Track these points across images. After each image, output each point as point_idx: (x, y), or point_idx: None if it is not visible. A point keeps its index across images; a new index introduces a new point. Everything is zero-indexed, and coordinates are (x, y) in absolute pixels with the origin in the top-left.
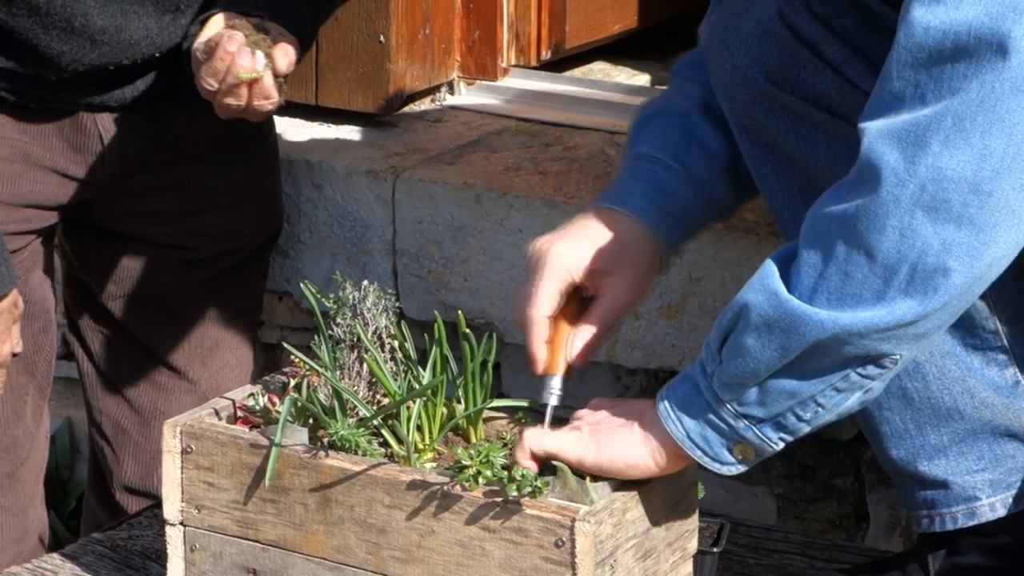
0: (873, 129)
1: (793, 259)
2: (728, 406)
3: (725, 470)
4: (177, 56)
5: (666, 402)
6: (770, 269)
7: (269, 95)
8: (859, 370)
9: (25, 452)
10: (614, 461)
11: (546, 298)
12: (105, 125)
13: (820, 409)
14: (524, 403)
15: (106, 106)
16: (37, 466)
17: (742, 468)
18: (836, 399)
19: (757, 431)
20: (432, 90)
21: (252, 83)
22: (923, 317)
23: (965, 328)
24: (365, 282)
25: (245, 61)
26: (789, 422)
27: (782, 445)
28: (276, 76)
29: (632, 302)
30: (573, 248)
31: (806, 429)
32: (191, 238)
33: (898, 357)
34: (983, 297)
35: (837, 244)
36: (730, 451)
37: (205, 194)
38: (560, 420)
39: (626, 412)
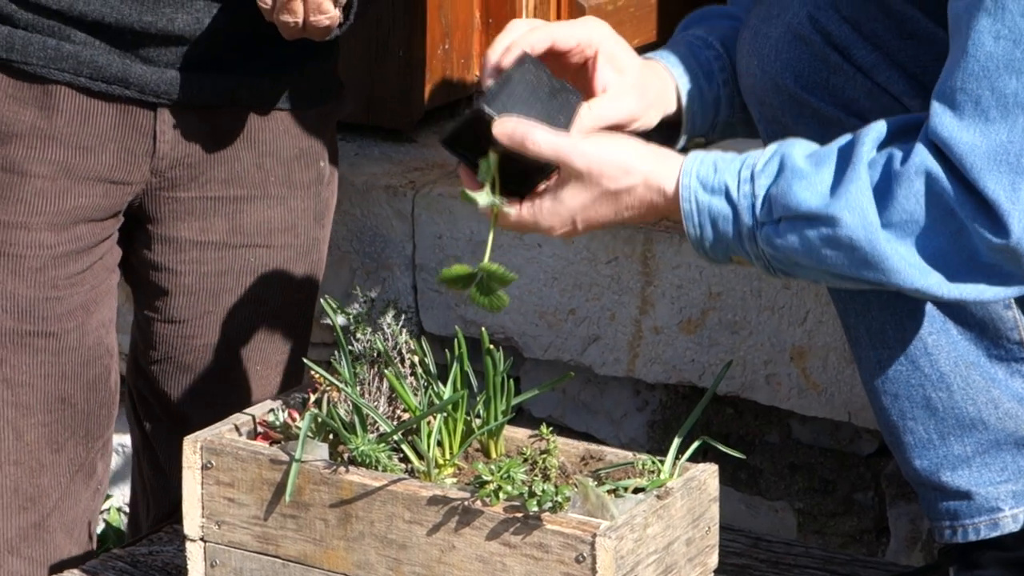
0: (972, 152)
1: (885, 179)
2: (760, 248)
3: (707, 261)
4: (245, 51)
5: (694, 206)
6: (867, 193)
7: (323, 9)
8: None
9: (52, 502)
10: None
11: (556, 29)
12: (162, 121)
13: (838, 283)
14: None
15: (167, 98)
16: (74, 520)
17: (724, 264)
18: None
19: (768, 266)
20: (451, 105)
21: None
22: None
23: (990, 339)
24: (385, 297)
25: None
26: (801, 276)
27: (779, 276)
28: None
29: (633, 112)
30: (612, 33)
31: (810, 280)
32: (230, 280)
33: None
34: (1008, 308)
35: (949, 231)
36: (728, 258)
37: (247, 227)
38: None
39: (629, 210)
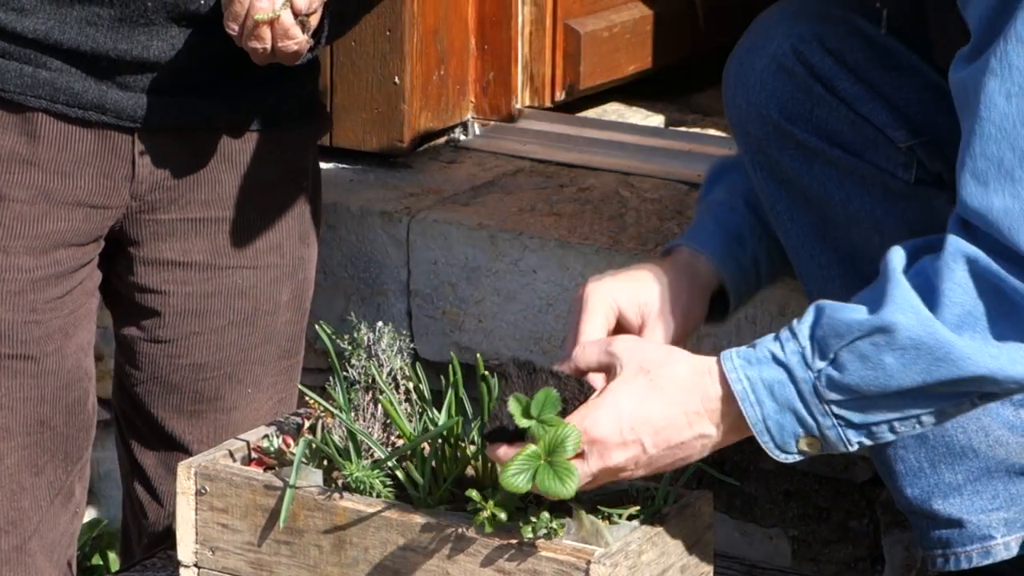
0: (1006, 215)
1: (925, 280)
2: (826, 405)
3: (782, 457)
4: (221, 74)
5: (746, 383)
6: (912, 294)
7: (291, 35)
8: (978, 399)
9: (33, 525)
10: (672, 466)
11: (591, 329)
12: (140, 146)
13: (918, 425)
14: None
15: (144, 121)
16: (53, 542)
17: (797, 459)
18: (939, 419)
19: (842, 432)
20: (446, 131)
21: (272, 24)
22: None
23: None
24: (380, 323)
25: (263, 2)
26: (880, 432)
27: (856, 448)
28: (296, 15)
29: (678, 336)
30: (620, 283)
31: (891, 439)
32: (217, 302)
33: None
34: None
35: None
36: (796, 442)
37: (232, 248)
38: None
39: (679, 398)
